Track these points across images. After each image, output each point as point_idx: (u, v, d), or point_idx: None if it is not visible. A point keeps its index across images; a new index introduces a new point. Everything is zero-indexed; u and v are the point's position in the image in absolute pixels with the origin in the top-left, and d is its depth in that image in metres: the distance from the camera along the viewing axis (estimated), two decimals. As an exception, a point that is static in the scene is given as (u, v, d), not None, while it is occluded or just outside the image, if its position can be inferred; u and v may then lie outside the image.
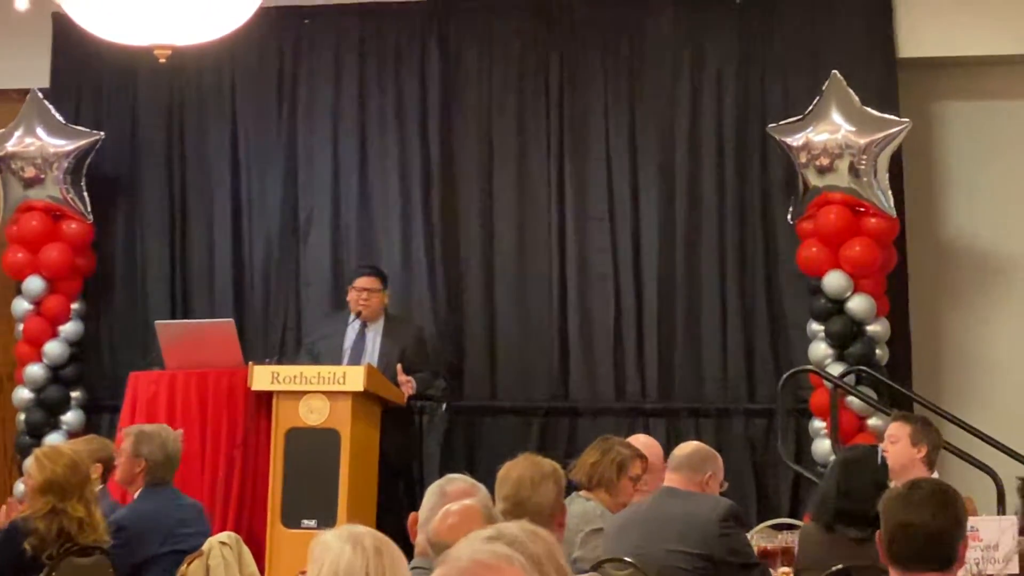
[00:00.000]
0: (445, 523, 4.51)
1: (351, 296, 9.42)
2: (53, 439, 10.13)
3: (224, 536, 6.96)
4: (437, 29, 10.48)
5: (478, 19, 10.46)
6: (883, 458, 6.26)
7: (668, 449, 6.69)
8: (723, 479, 6.50)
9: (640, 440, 7.21)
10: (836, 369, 9.49)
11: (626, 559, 5.92)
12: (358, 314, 9.33)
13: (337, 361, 9.17)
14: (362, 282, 9.44)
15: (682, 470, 6.29)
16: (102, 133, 10.58)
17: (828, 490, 6.03)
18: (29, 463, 6.76)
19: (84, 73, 10.84)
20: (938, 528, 4.02)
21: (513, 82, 10.40)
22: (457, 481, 4.89)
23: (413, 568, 4.31)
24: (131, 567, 6.83)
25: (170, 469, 7.22)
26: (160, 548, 6.89)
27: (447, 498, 4.73)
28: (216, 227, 10.72)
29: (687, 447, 6.48)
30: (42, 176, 10.50)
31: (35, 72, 10.79)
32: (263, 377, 8.90)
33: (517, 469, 5.35)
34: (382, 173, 10.49)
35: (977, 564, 5.71)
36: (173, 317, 10.45)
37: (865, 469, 6.11)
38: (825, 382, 9.47)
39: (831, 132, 9.52)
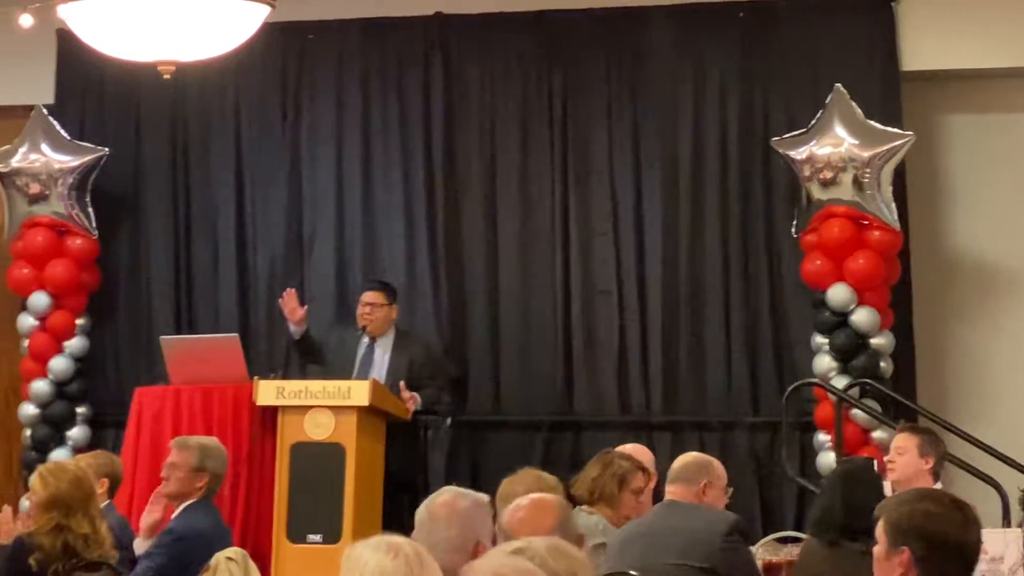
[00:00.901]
0: (515, 516, 4.38)
1: (358, 311, 9.47)
2: (59, 455, 10.12)
3: (231, 551, 6.92)
4: (440, 44, 10.49)
5: (480, 34, 10.46)
6: (878, 469, 6.25)
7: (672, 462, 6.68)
8: (726, 486, 6.47)
9: (629, 448, 7.21)
10: (840, 382, 9.49)
11: (630, 573, 5.92)
12: (363, 328, 9.38)
13: (347, 375, 9.20)
14: (367, 296, 9.49)
15: (678, 482, 6.30)
16: (106, 149, 10.59)
17: (831, 505, 6.01)
18: (33, 479, 6.77)
19: (89, 89, 10.86)
20: (979, 547, 3.96)
21: (516, 97, 10.41)
22: (445, 494, 4.83)
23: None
24: None
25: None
26: (201, 564, 6.85)
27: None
28: (220, 242, 10.73)
29: (683, 459, 6.47)
30: (47, 192, 10.51)
31: (40, 88, 10.80)
32: (268, 392, 8.91)
33: (523, 484, 5.32)
34: (386, 188, 10.50)
35: (983, 577, 5.70)
36: (178, 332, 10.44)
37: (868, 482, 6.10)
38: (829, 395, 9.47)
39: (834, 145, 9.53)
